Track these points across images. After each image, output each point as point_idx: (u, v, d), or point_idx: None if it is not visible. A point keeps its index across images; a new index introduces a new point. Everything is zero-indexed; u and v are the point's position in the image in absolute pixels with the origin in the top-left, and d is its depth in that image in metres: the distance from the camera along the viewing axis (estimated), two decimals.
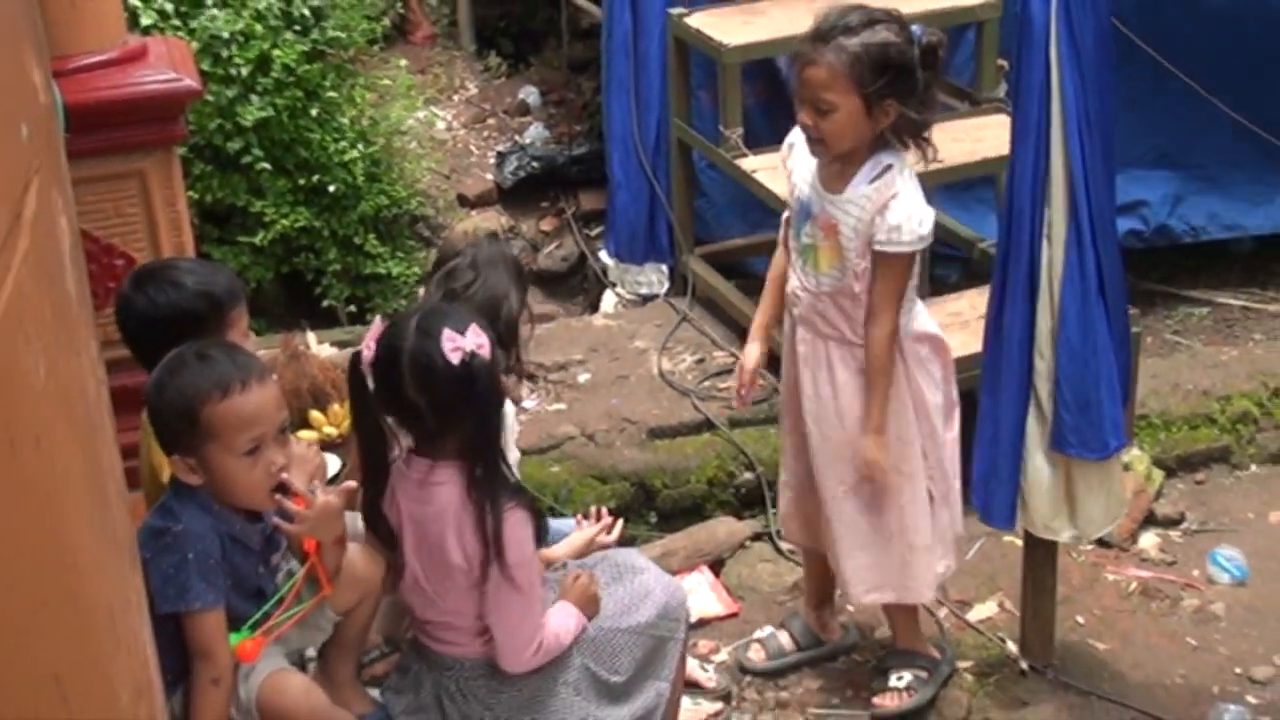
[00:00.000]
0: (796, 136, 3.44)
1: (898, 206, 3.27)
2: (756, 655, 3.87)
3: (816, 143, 3.30)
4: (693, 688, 3.70)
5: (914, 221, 3.27)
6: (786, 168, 3.51)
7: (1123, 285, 3.48)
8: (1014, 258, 3.41)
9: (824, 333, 3.43)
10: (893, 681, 3.71)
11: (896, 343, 3.36)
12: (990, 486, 3.56)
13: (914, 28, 3.29)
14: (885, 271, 3.31)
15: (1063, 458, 3.47)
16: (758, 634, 3.93)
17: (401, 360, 2.68)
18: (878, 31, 3.22)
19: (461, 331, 2.68)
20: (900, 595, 3.60)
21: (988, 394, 3.53)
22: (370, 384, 2.74)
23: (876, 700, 3.70)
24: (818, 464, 3.53)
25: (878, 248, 3.28)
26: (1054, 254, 3.35)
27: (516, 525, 2.75)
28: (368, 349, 2.72)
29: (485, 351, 2.69)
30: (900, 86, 3.21)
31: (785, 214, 3.58)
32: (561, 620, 2.90)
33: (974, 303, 4.77)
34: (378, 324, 2.77)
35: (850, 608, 4.02)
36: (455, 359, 2.65)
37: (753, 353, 3.61)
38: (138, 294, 2.97)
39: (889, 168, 3.30)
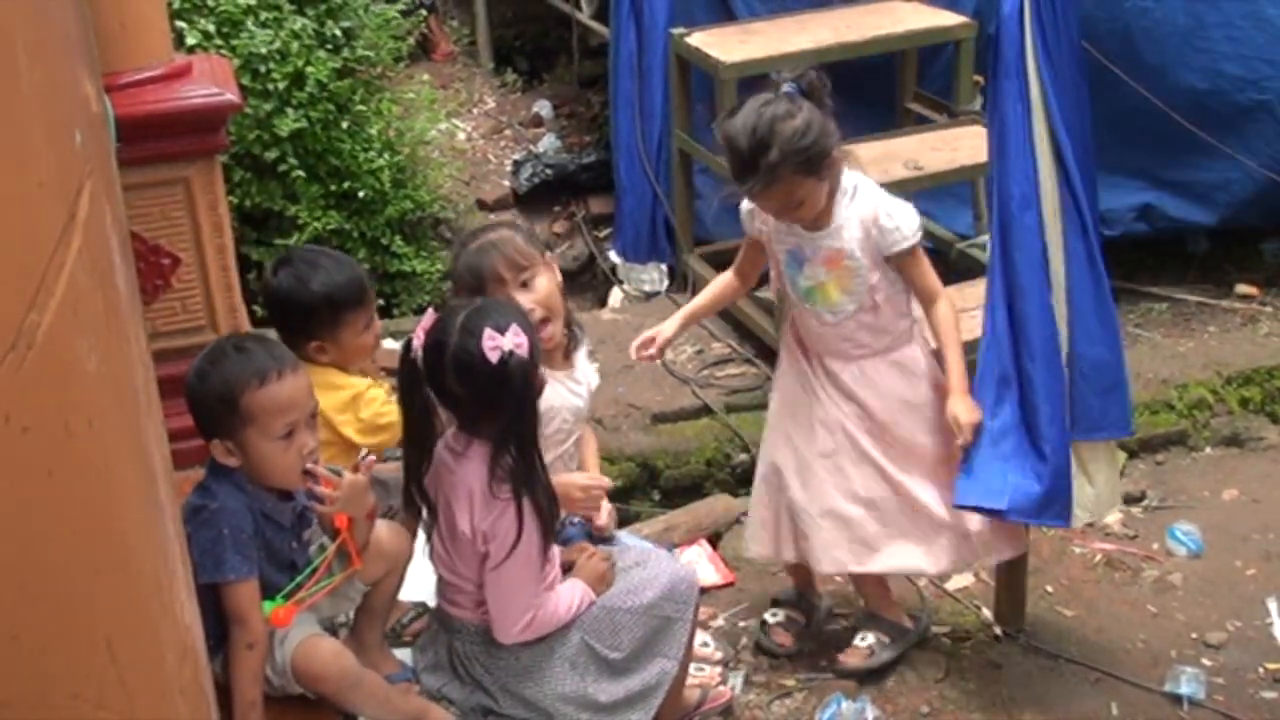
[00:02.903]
0: (750, 203, 3.37)
1: (885, 210, 3.27)
2: (785, 640, 3.78)
3: (799, 221, 3.29)
4: (698, 661, 3.70)
5: (905, 214, 3.28)
6: (755, 230, 3.42)
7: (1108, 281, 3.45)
8: (1030, 261, 3.30)
9: (856, 355, 3.40)
10: (856, 641, 3.70)
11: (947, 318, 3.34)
12: (1064, 491, 3.41)
13: (786, 86, 3.18)
14: (911, 266, 3.31)
15: (1079, 445, 3.39)
16: (770, 619, 3.82)
17: (445, 354, 2.68)
18: (778, 127, 3.11)
19: (502, 330, 2.66)
20: (986, 555, 3.57)
21: (1014, 397, 3.38)
22: (421, 368, 2.74)
23: (840, 657, 3.70)
24: (900, 475, 3.45)
25: (891, 251, 3.27)
26: (1053, 254, 3.30)
27: (527, 515, 2.73)
28: (418, 338, 2.72)
29: (523, 350, 2.67)
30: (825, 142, 3.16)
31: (740, 254, 3.56)
32: (567, 596, 2.88)
33: (952, 298, 4.77)
34: (430, 315, 2.77)
35: (838, 578, 4.03)
36: (494, 358, 2.64)
37: (670, 326, 3.54)
38: (278, 278, 3.10)
39: (856, 186, 3.30)
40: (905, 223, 3.27)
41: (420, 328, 2.74)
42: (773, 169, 3.11)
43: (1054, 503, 3.38)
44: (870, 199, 3.29)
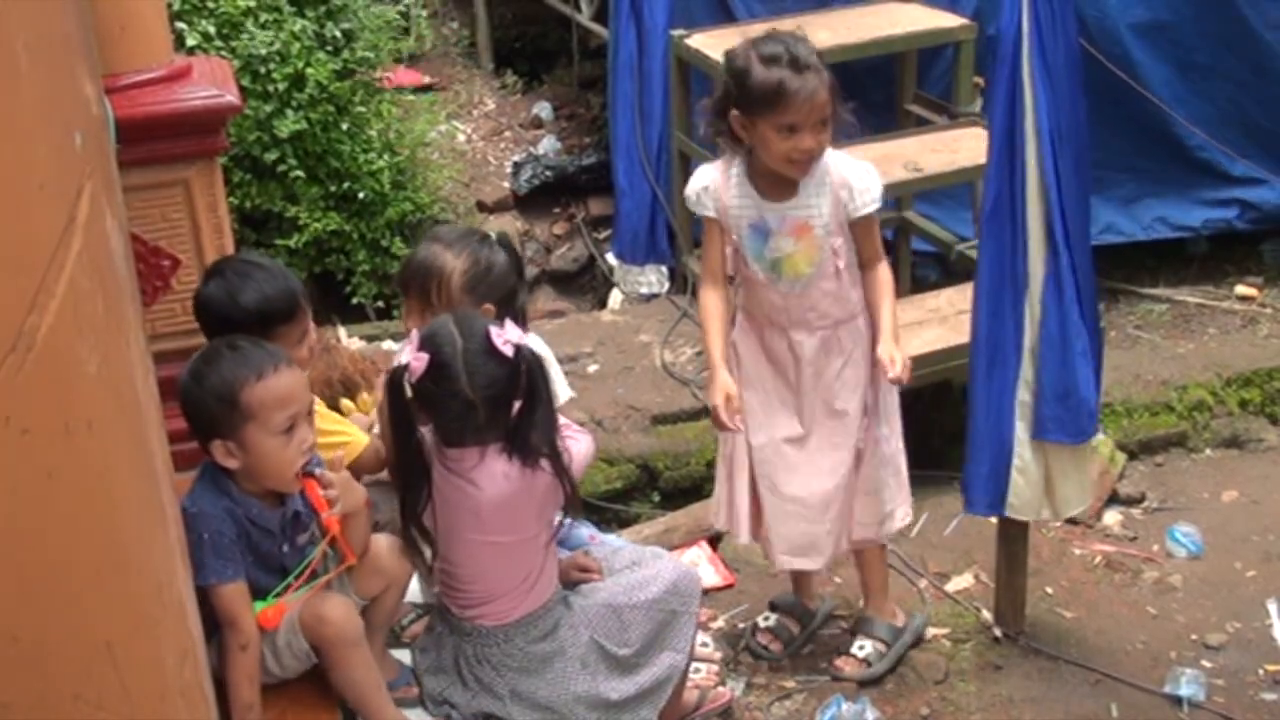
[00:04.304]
0: (705, 179, 3.35)
1: (854, 172, 3.29)
2: (774, 646, 3.80)
3: (808, 163, 3.23)
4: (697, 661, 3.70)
5: (873, 175, 3.31)
6: (710, 211, 3.35)
7: (1094, 285, 3.47)
8: (992, 262, 3.39)
9: (819, 325, 3.38)
10: (854, 649, 3.71)
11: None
12: (983, 478, 3.55)
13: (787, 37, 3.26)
14: (868, 229, 3.35)
15: (1043, 445, 3.47)
16: (762, 622, 3.84)
17: (455, 364, 2.68)
18: (815, 52, 3.21)
19: (500, 325, 2.72)
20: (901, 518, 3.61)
21: (978, 392, 3.49)
22: (410, 394, 2.72)
23: (838, 663, 3.71)
24: (843, 444, 3.46)
25: (859, 214, 3.28)
26: (1034, 257, 3.34)
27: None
28: (418, 361, 2.69)
29: (525, 340, 2.74)
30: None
31: (706, 249, 3.44)
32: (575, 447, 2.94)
33: (951, 299, 4.78)
34: (414, 338, 2.75)
35: (837, 580, 4.03)
36: (508, 351, 2.68)
37: (728, 380, 3.34)
38: (208, 288, 2.98)
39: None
40: (874, 184, 3.30)
41: (410, 355, 2.71)
42: (819, 72, 3.15)
43: (987, 493, 3.55)
44: (835, 164, 3.29)
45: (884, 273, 3.39)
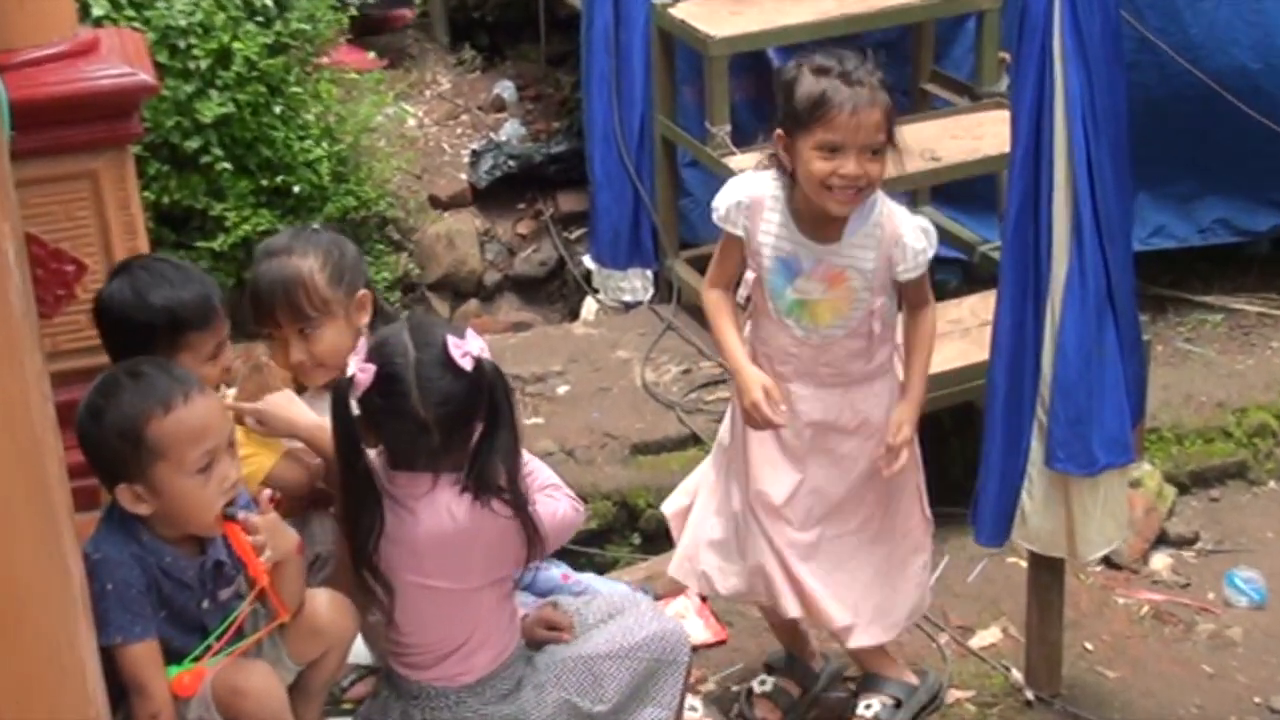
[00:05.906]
0: (741, 193, 3.40)
1: (909, 229, 3.34)
2: (771, 715, 3.79)
3: (851, 195, 3.24)
4: None
5: (930, 235, 3.37)
6: (738, 230, 3.40)
7: (1133, 291, 3.49)
8: (1015, 263, 3.42)
9: (831, 382, 3.42)
10: (860, 710, 3.70)
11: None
12: (994, 503, 3.58)
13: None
14: (920, 285, 3.41)
15: (1060, 475, 3.48)
16: (757, 687, 3.82)
17: (406, 376, 2.69)
18: (876, 74, 3.23)
19: (461, 335, 2.72)
20: (896, 630, 3.66)
21: (991, 407, 3.53)
22: (357, 410, 2.73)
23: None
24: (839, 510, 3.52)
25: (908, 275, 3.35)
26: (1056, 258, 3.36)
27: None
28: (363, 372, 2.70)
29: (488, 352, 2.75)
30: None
31: (719, 262, 3.51)
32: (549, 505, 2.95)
33: (975, 309, 4.78)
34: (362, 346, 2.76)
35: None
36: (467, 364, 2.69)
37: (759, 372, 3.38)
38: (111, 286, 2.98)
39: (875, 200, 3.33)
40: (930, 244, 3.36)
41: (356, 365, 2.72)
42: (874, 90, 3.19)
43: (995, 520, 3.60)
44: (891, 216, 3.35)
45: (928, 319, 3.44)
